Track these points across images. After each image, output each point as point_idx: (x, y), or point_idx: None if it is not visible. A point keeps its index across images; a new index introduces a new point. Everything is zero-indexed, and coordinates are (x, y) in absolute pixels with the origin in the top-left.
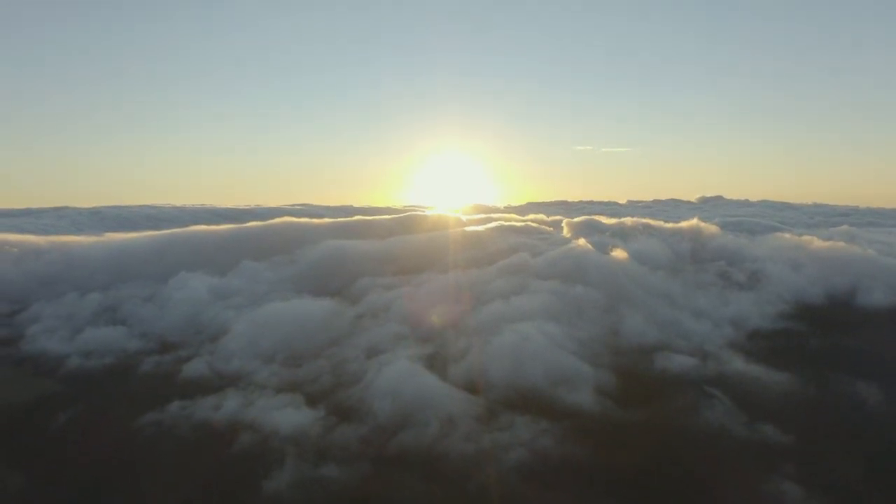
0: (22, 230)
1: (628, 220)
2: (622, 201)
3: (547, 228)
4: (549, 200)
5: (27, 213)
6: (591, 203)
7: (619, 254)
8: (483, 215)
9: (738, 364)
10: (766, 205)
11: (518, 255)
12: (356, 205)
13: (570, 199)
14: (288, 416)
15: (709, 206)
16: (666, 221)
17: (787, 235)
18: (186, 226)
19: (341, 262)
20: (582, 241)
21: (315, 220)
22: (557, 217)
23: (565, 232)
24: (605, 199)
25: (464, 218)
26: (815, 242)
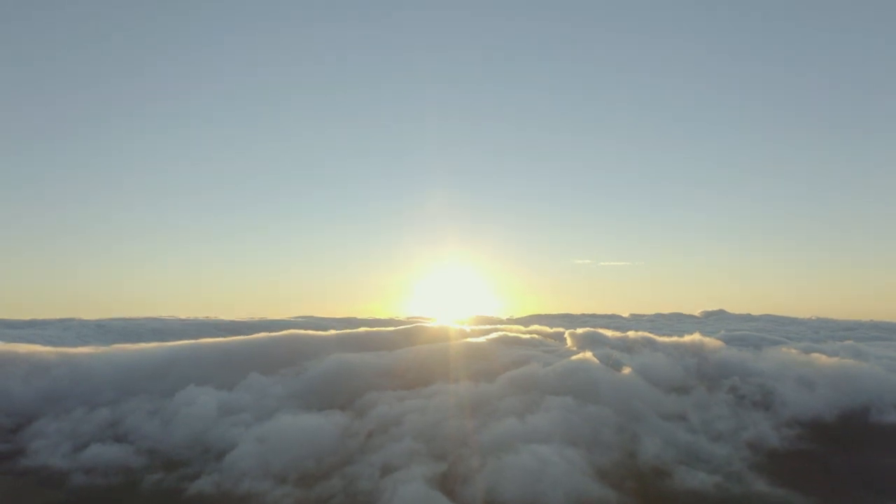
0: (27, 342)
1: (631, 334)
2: (625, 314)
3: (550, 340)
4: (553, 313)
5: (32, 324)
6: (593, 316)
7: (626, 369)
8: (487, 326)
9: (762, 486)
10: (768, 319)
11: (527, 368)
12: (359, 316)
13: (573, 312)
14: None
15: (712, 319)
16: (670, 335)
17: (794, 351)
18: (192, 339)
19: (349, 375)
20: (589, 355)
21: (321, 333)
22: (560, 329)
23: (569, 344)
24: (608, 313)
25: (468, 329)
26: (823, 358)
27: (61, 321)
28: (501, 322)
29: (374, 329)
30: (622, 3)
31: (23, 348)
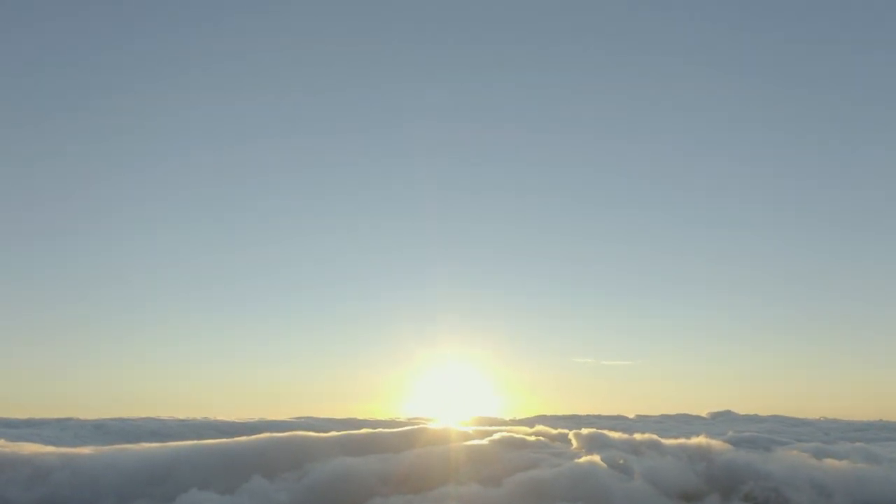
0: (27, 441)
1: (637, 436)
2: (630, 415)
3: (555, 443)
4: (558, 414)
5: (29, 423)
6: (599, 417)
7: (635, 474)
8: (491, 427)
9: None
10: (776, 420)
11: (534, 472)
12: (359, 416)
13: (579, 413)
14: None
15: (719, 420)
16: (677, 437)
17: (805, 454)
18: (192, 440)
19: (353, 479)
20: (597, 458)
21: (323, 434)
22: (563, 430)
23: (574, 446)
24: (614, 413)
25: (471, 430)
26: (836, 462)
27: (59, 421)
28: (504, 423)
29: (377, 430)
30: (617, 109)
31: (27, 449)
